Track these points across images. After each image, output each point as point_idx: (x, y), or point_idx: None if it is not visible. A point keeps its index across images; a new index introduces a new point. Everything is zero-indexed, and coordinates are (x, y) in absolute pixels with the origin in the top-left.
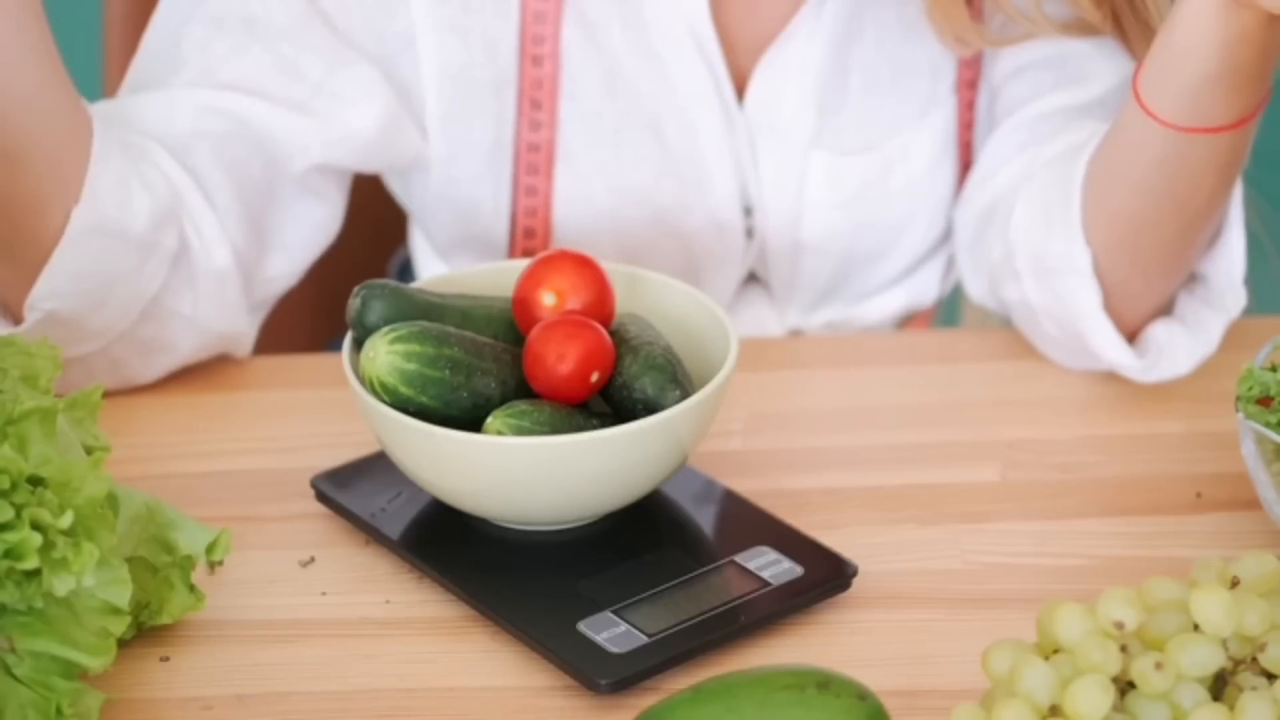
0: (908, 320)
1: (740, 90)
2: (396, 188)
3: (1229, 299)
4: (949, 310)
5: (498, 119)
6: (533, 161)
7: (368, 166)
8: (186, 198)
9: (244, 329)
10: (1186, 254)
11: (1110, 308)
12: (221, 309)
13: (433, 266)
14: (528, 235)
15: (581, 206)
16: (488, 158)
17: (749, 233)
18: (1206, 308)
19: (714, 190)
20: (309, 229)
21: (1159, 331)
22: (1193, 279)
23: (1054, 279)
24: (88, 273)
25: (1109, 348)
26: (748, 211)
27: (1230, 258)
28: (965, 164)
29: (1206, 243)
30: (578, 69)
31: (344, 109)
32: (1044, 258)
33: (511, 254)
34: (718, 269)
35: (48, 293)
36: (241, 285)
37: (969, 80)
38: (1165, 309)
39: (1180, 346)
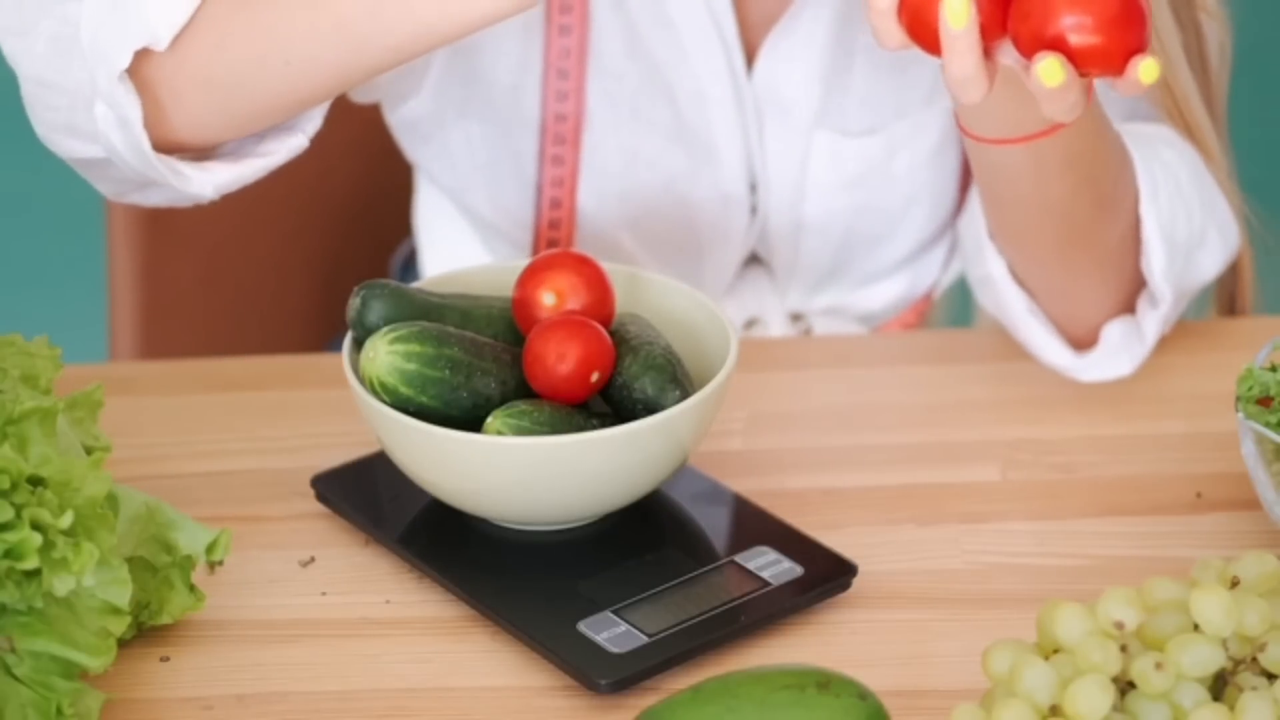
0: (909, 307)
1: (751, 65)
2: (405, 129)
3: (1157, 297)
4: (962, 310)
5: (521, 66)
6: (559, 131)
7: (370, 85)
8: None
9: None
10: (1090, 255)
11: (1050, 309)
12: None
13: (436, 239)
14: (554, 205)
15: (596, 169)
16: (508, 99)
17: (753, 209)
18: (1148, 307)
19: (721, 162)
20: None
21: (1113, 331)
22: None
23: (986, 288)
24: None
25: (1043, 347)
26: (753, 187)
27: (1148, 257)
28: None
29: (1123, 241)
30: (603, 30)
31: None
32: (975, 268)
33: (537, 221)
34: (721, 245)
35: (220, 185)
36: None
37: None
38: (1124, 309)
39: (1125, 346)
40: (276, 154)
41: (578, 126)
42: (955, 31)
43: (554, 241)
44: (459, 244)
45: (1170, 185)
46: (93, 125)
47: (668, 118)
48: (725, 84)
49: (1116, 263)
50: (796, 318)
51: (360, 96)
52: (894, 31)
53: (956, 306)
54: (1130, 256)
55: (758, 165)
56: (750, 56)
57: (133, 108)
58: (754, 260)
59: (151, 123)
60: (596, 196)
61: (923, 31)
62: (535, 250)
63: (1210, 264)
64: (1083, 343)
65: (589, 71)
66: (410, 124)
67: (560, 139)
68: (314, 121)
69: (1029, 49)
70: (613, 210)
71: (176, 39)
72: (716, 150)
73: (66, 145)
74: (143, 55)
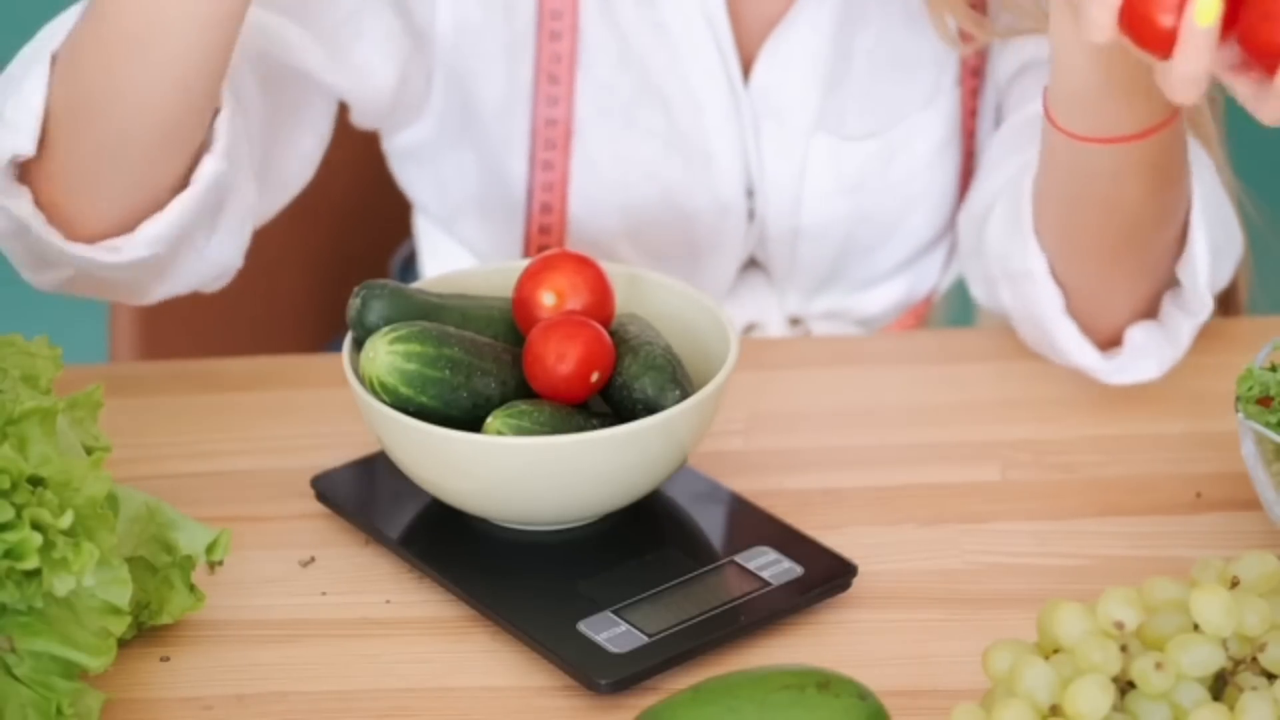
0: (908, 310)
1: (747, 71)
2: (401, 155)
3: (1195, 304)
4: (962, 310)
5: (509, 83)
6: (550, 136)
7: (371, 116)
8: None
9: (238, 265)
10: (1140, 259)
11: (1077, 310)
12: (234, 246)
13: (437, 246)
14: (545, 210)
15: (591, 179)
16: (498, 119)
17: (750, 215)
18: (1180, 312)
19: (718, 170)
20: (299, 161)
21: (1137, 334)
22: (1175, 283)
23: (1018, 283)
24: (192, 219)
25: (1073, 349)
26: (750, 194)
27: (1193, 263)
28: (968, 153)
29: (1170, 247)
30: (593, 40)
31: (366, 51)
32: (1009, 262)
33: (528, 227)
34: (719, 251)
35: (155, 237)
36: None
37: (973, 69)
38: (1147, 312)
39: (1153, 350)
40: (197, 181)
41: (568, 132)
42: (1199, 29)
43: (545, 248)
44: (458, 259)
45: (1209, 195)
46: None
47: (662, 126)
48: (722, 91)
49: (1155, 267)
50: (795, 322)
51: (360, 121)
52: (1109, 25)
53: (955, 308)
54: (1168, 262)
55: (755, 171)
56: (746, 62)
57: (28, 212)
58: (752, 265)
59: (69, 224)
60: (592, 205)
61: (1144, 28)
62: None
63: (1225, 271)
64: (1100, 346)
65: (580, 84)
66: (407, 151)
67: (551, 144)
68: (220, 140)
69: (1263, 53)
70: (609, 219)
71: (42, 139)
72: (713, 157)
73: (48, 279)
74: (30, 168)
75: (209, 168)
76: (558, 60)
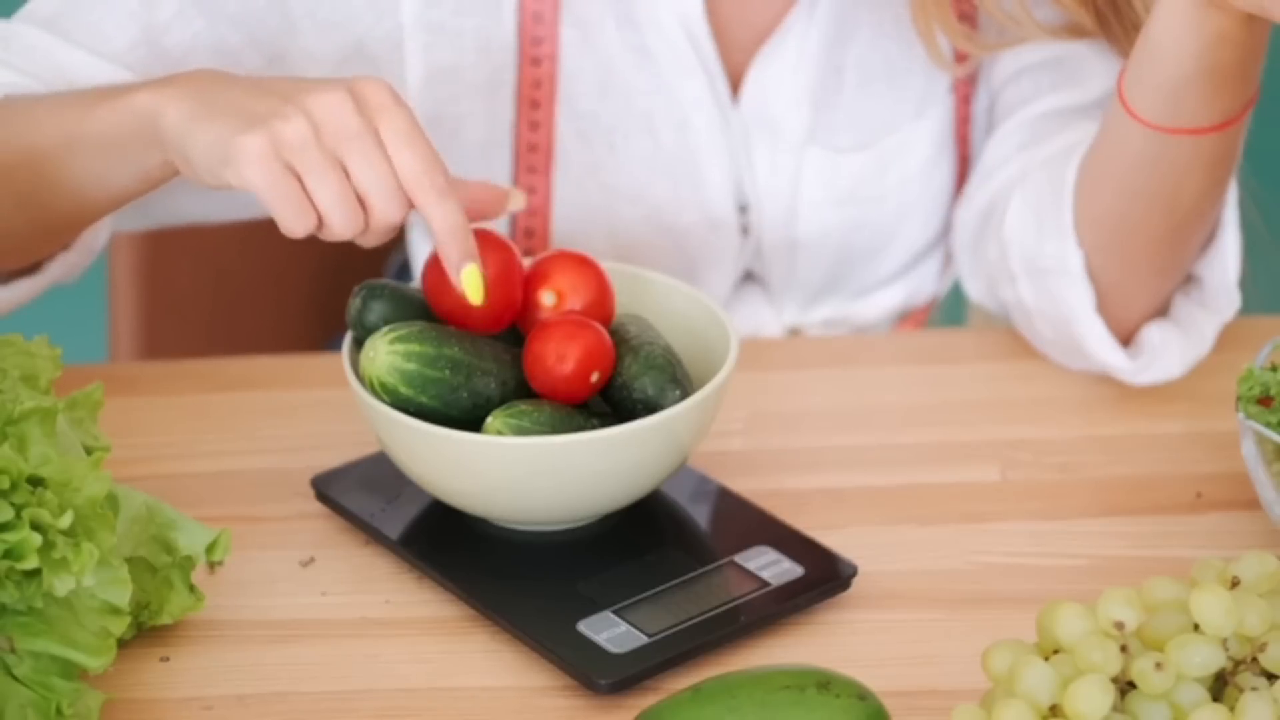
0: (905, 316)
1: (735, 87)
2: None
3: (1223, 301)
4: (953, 311)
5: (490, 118)
6: (531, 161)
7: None
8: None
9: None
10: (1179, 255)
11: (1104, 309)
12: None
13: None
14: (527, 235)
15: (576, 205)
16: (480, 155)
17: (744, 230)
18: (1200, 309)
19: (708, 188)
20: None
21: (1153, 333)
22: (1188, 281)
23: (1046, 280)
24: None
25: (1101, 349)
26: (743, 209)
27: (1224, 259)
28: (962, 159)
29: (1201, 245)
30: (573, 68)
31: None
32: (1036, 258)
33: None
34: (713, 267)
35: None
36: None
37: (965, 76)
38: (1161, 310)
39: (1174, 348)
40: (43, 272)
41: (549, 157)
42: None
43: None
44: None
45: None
46: None
47: (648, 148)
48: (709, 110)
49: (1183, 265)
50: (794, 332)
51: None
52: None
53: (948, 311)
54: (1192, 260)
55: (748, 187)
56: (734, 79)
57: None
58: (749, 278)
59: None
60: (578, 227)
61: None
62: None
63: (1235, 266)
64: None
65: (560, 108)
66: None
67: (532, 168)
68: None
69: None
70: (596, 240)
71: None
72: (703, 176)
73: None
74: None
75: (55, 265)
76: (538, 85)
